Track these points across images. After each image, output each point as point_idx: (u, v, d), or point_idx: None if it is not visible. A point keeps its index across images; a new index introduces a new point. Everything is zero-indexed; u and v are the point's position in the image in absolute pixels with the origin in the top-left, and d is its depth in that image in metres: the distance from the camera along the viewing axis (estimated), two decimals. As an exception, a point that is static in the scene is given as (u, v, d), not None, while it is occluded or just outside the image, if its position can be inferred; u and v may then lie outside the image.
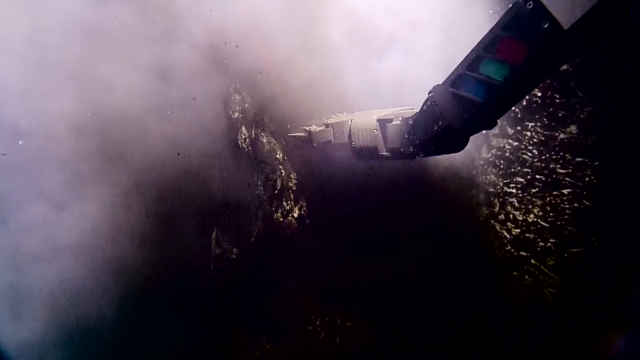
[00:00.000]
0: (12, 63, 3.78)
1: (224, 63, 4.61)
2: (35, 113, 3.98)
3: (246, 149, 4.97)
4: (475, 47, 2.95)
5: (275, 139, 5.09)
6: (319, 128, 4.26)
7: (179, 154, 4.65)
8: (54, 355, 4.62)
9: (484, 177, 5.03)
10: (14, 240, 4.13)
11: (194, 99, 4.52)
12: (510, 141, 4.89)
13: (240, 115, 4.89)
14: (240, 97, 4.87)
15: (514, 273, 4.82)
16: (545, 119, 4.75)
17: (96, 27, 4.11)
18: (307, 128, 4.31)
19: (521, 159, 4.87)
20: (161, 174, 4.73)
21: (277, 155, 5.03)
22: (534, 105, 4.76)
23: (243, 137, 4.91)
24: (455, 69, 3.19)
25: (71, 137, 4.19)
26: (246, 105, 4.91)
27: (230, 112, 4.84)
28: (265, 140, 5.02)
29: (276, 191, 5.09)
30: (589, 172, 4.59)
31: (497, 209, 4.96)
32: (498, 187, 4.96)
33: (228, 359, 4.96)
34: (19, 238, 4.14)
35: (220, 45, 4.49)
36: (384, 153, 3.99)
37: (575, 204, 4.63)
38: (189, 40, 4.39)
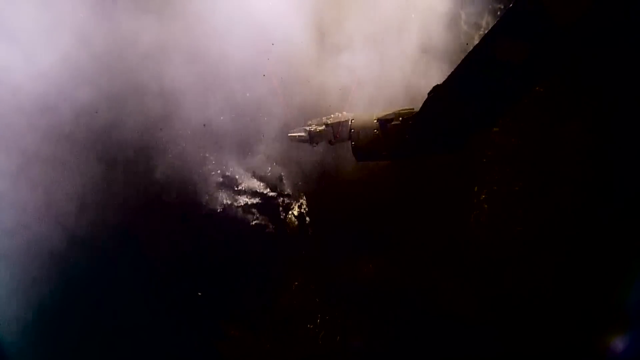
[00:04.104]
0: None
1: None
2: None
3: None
4: (475, 47, 2.94)
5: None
6: (319, 128, 4.26)
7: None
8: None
9: (486, 175, 5.01)
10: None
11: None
12: (512, 138, 4.88)
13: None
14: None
15: (514, 271, 4.81)
16: (546, 117, 4.74)
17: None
18: (307, 128, 4.31)
19: (523, 156, 4.86)
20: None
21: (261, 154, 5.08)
22: (535, 103, 4.74)
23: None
24: (456, 69, 3.18)
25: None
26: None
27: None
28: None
29: (268, 188, 5.11)
30: (590, 170, 4.58)
31: (498, 206, 4.95)
32: (499, 185, 4.95)
33: (228, 357, 4.98)
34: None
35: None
36: (384, 152, 3.99)
37: (577, 202, 4.62)
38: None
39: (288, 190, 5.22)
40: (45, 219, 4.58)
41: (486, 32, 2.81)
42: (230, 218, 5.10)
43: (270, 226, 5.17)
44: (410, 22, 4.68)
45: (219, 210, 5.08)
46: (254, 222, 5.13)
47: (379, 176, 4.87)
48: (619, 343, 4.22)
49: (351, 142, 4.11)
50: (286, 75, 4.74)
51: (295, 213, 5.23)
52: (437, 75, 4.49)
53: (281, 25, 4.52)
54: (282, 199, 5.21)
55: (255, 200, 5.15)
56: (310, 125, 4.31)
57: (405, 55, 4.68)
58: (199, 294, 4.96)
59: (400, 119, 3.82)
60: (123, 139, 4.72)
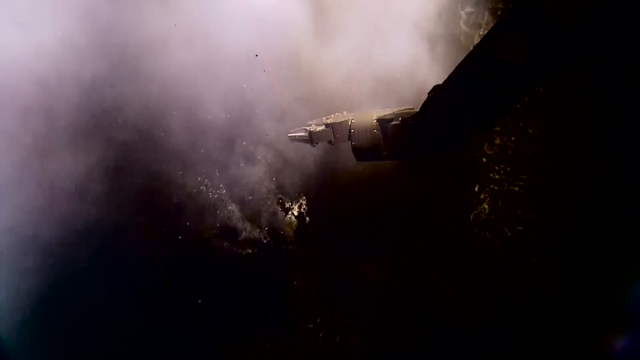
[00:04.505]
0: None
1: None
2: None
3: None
4: (475, 47, 2.93)
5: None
6: (319, 128, 4.24)
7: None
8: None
9: (486, 175, 5.01)
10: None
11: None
12: (512, 138, 4.88)
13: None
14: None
15: (515, 271, 4.81)
16: (546, 117, 4.74)
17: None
18: (307, 128, 4.30)
19: (523, 156, 4.86)
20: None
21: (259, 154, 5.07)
22: (535, 103, 4.75)
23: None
24: (456, 69, 3.17)
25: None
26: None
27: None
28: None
29: (266, 188, 5.11)
30: (590, 170, 4.58)
31: (498, 206, 4.95)
32: (499, 185, 4.96)
33: (228, 357, 4.98)
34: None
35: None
36: (384, 152, 3.98)
37: (577, 202, 4.62)
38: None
39: (287, 190, 5.21)
40: (39, 214, 4.59)
41: (486, 32, 2.80)
42: (229, 217, 5.11)
43: (270, 227, 5.17)
44: (409, 21, 4.69)
45: (218, 210, 5.08)
46: (253, 223, 5.14)
47: (379, 176, 4.87)
48: (619, 343, 4.22)
49: (351, 142, 4.10)
50: (285, 74, 4.74)
51: (295, 213, 5.23)
52: (436, 74, 4.50)
53: (280, 24, 4.52)
54: (281, 198, 5.21)
55: (255, 202, 5.15)
56: (310, 125, 4.30)
57: (405, 55, 4.68)
58: (199, 301, 4.97)
59: (400, 119, 3.80)
60: (122, 129, 4.74)
